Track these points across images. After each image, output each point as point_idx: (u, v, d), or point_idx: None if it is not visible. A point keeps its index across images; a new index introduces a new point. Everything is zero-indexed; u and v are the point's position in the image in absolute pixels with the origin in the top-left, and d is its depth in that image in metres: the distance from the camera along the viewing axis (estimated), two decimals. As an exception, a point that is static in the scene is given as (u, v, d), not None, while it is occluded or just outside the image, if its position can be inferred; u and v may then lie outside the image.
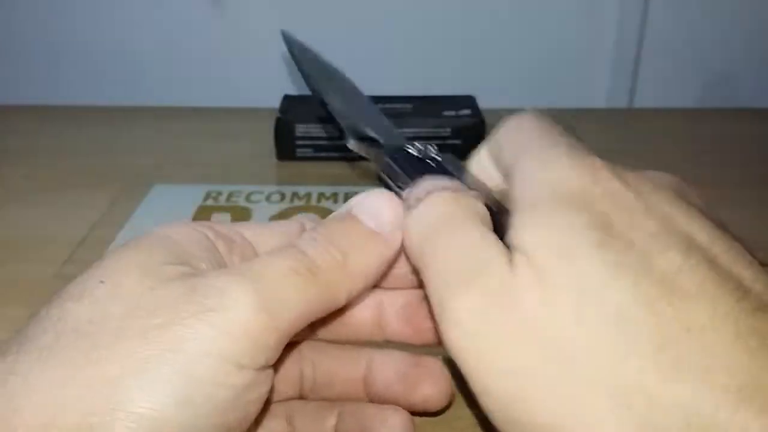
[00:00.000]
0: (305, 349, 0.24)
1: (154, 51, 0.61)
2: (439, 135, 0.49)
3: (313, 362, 0.24)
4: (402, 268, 0.22)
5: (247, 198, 0.45)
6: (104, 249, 0.38)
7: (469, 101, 0.51)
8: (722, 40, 0.60)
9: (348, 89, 0.30)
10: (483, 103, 0.51)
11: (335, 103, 0.28)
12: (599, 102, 0.63)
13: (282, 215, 0.42)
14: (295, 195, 0.45)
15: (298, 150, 0.49)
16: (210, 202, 0.44)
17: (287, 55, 0.31)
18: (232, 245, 0.20)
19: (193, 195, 0.45)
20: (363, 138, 0.26)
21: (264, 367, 0.17)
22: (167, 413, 0.16)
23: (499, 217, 0.19)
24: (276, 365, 0.18)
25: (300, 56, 0.31)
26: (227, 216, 0.42)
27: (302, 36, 0.63)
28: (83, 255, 0.38)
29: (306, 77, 0.29)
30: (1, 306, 0.33)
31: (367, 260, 0.20)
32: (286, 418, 0.23)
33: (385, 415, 0.22)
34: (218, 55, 0.61)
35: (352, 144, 0.26)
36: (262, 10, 0.59)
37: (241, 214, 0.43)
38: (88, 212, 0.42)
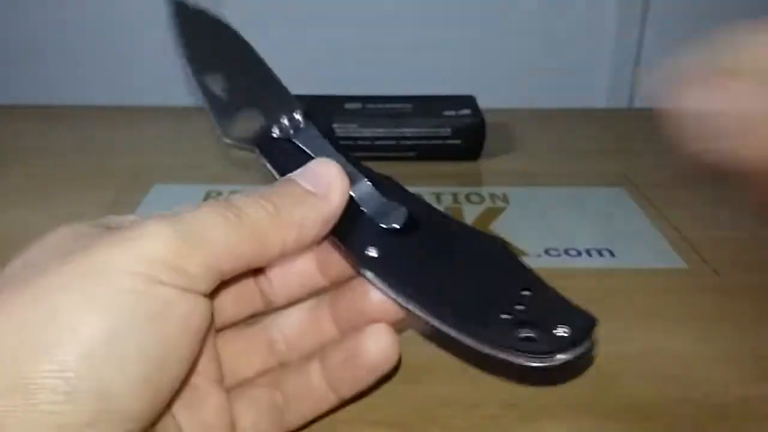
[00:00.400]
0: (273, 317, 0.25)
1: (154, 51, 0.61)
2: (439, 135, 0.49)
3: (280, 325, 0.25)
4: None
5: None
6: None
7: (469, 101, 0.51)
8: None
9: (237, 63, 0.28)
10: (483, 103, 0.51)
11: (214, 89, 0.28)
12: (599, 102, 0.63)
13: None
14: (295, 195, 0.45)
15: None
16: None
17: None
18: None
19: (194, 195, 0.45)
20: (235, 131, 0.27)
21: (189, 290, 0.18)
22: (94, 327, 0.16)
23: None
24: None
25: (186, 28, 0.29)
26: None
27: (302, 36, 0.63)
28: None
29: (188, 58, 0.29)
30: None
31: (301, 212, 0.21)
32: (273, 385, 0.24)
33: (366, 334, 0.23)
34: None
35: (226, 141, 0.27)
36: (262, 10, 0.60)
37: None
38: (89, 212, 0.42)
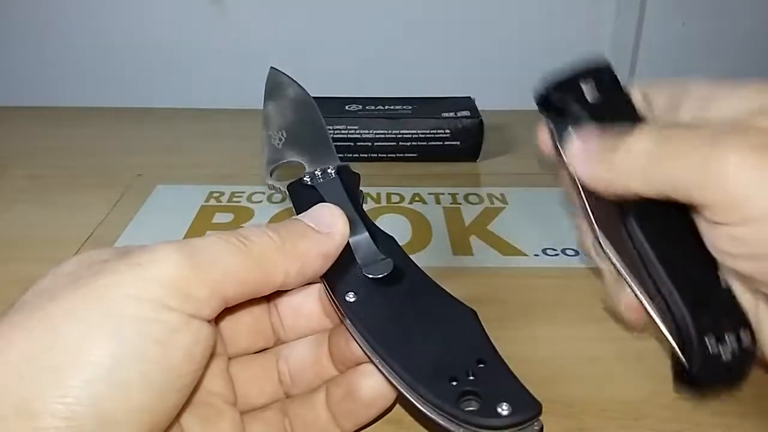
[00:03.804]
0: (279, 349, 0.26)
1: (155, 52, 0.61)
2: (438, 136, 0.50)
3: (286, 357, 0.25)
4: None
5: (249, 198, 0.45)
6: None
7: (467, 102, 0.52)
8: (718, 43, 0.60)
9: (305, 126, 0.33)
10: (481, 105, 0.51)
11: (273, 140, 0.32)
12: (597, 103, 0.63)
13: (283, 215, 0.43)
14: (296, 195, 0.45)
15: (299, 151, 0.49)
16: (212, 202, 0.44)
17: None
18: None
19: (196, 195, 0.45)
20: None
21: (195, 316, 0.19)
22: (98, 354, 0.17)
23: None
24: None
25: (272, 91, 0.34)
26: (229, 216, 0.43)
27: (302, 37, 0.63)
28: (88, 254, 0.39)
29: (265, 115, 0.33)
30: (5, 305, 0.34)
31: (304, 246, 0.22)
32: (283, 412, 0.25)
33: (359, 372, 0.24)
34: (219, 56, 0.61)
35: (269, 180, 0.30)
36: (262, 11, 0.60)
37: (243, 215, 0.43)
38: (92, 212, 0.43)
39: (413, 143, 0.50)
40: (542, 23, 0.60)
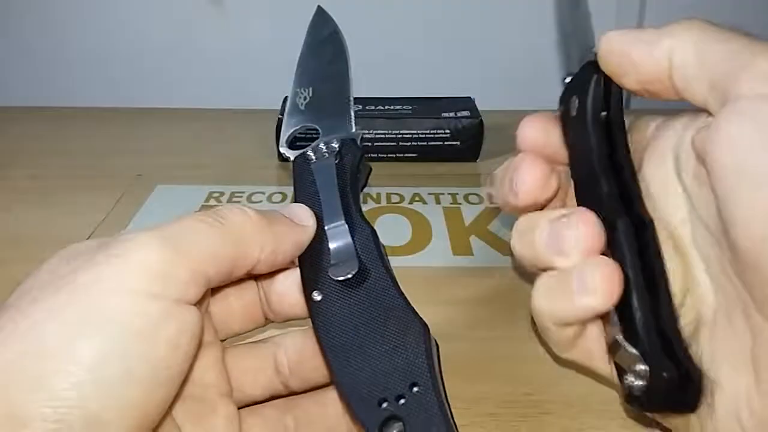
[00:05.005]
0: (278, 339, 0.26)
1: (155, 52, 0.61)
2: (438, 136, 0.50)
3: (285, 348, 0.25)
4: None
5: (249, 198, 0.45)
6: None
7: (467, 102, 0.52)
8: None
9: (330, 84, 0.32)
10: (481, 105, 0.51)
11: (297, 100, 0.31)
12: (597, 103, 0.63)
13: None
14: (296, 195, 0.45)
15: (299, 151, 0.49)
16: (212, 202, 0.44)
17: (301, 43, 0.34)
18: None
19: (196, 195, 0.45)
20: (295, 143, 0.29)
21: (180, 300, 0.18)
22: (82, 354, 0.17)
23: None
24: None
25: (312, 36, 0.33)
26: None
27: (302, 37, 0.63)
28: (88, 255, 0.39)
29: (298, 64, 0.33)
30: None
31: (278, 228, 0.22)
32: (286, 409, 0.25)
33: None
34: (219, 56, 0.61)
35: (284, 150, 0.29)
36: (262, 11, 0.60)
37: (243, 215, 0.43)
38: (92, 212, 0.43)
39: (413, 143, 0.50)
40: (542, 23, 0.60)
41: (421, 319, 0.22)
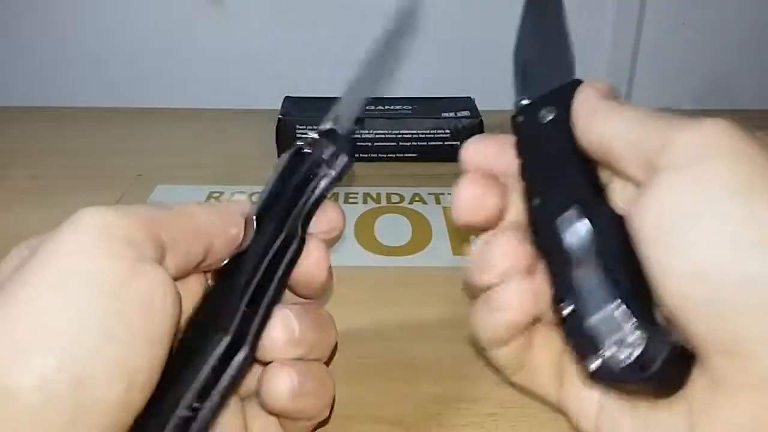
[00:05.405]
0: None
1: (155, 52, 0.61)
2: (438, 136, 0.50)
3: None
4: None
5: (249, 199, 0.45)
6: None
7: (467, 102, 0.52)
8: (718, 42, 0.60)
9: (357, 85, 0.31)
10: (481, 105, 0.52)
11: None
12: (596, 103, 0.63)
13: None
14: (296, 195, 0.45)
15: (299, 151, 0.49)
16: (213, 202, 0.44)
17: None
18: None
19: (196, 195, 0.45)
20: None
21: (141, 260, 0.19)
22: (56, 317, 0.17)
23: None
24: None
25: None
26: (229, 216, 0.43)
27: (302, 37, 0.63)
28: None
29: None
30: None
31: (228, 212, 0.23)
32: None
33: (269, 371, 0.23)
34: (219, 56, 0.61)
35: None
36: (262, 11, 0.60)
37: (243, 215, 0.43)
38: (92, 212, 0.43)
39: (413, 143, 0.50)
40: (542, 23, 0.60)
41: None
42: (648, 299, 0.21)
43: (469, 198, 0.25)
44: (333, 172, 0.25)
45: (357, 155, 0.50)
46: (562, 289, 0.22)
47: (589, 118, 0.23)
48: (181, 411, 0.20)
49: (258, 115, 0.55)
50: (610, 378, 0.21)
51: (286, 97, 0.52)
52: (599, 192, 0.23)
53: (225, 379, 0.21)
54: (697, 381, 0.19)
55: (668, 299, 0.19)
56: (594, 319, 0.21)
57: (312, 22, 0.60)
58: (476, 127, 0.49)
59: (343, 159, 0.26)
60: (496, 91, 0.57)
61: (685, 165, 0.19)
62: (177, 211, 0.21)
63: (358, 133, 0.49)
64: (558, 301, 0.22)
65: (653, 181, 0.20)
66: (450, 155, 0.50)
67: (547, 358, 0.25)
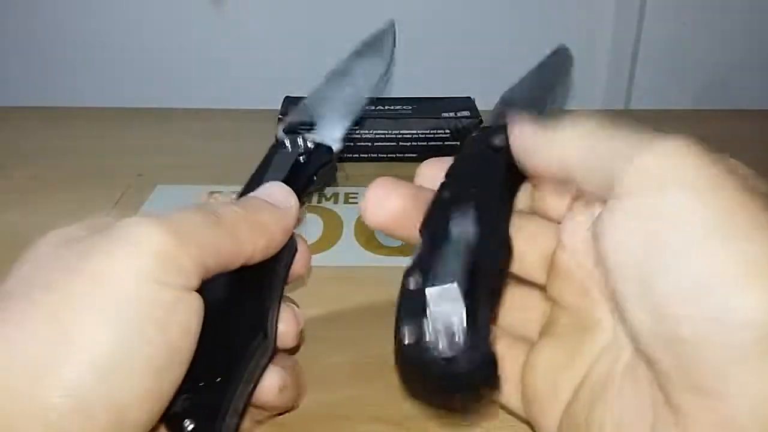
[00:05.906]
0: None
1: (155, 52, 0.61)
2: (438, 136, 0.50)
3: None
4: None
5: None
6: (109, 249, 0.39)
7: (467, 103, 0.52)
8: (718, 42, 0.60)
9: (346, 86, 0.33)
10: (481, 105, 0.51)
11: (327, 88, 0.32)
12: (596, 103, 0.63)
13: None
14: (296, 195, 0.45)
15: (299, 151, 0.49)
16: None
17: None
18: None
19: (196, 195, 0.45)
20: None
21: (186, 288, 0.19)
22: (102, 341, 0.17)
23: None
24: None
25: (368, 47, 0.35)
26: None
27: (302, 37, 0.63)
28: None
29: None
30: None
31: (265, 218, 0.23)
32: None
33: None
34: (219, 56, 0.61)
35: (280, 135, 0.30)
36: (262, 11, 0.60)
37: (243, 215, 0.43)
38: (92, 212, 0.42)
39: (413, 143, 0.50)
40: (542, 23, 0.60)
41: None
42: (491, 315, 0.21)
43: (372, 199, 0.24)
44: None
45: (357, 155, 0.50)
46: (420, 265, 0.22)
47: (540, 145, 0.22)
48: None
49: (258, 115, 0.55)
50: (419, 361, 0.20)
51: (286, 97, 0.52)
52: (506, 207, 0.23)
53: (256, 375, 0.22)
54: (661, 418, 0.18)
55: (629, 328, 0.18)
56: (433, 305, 0.21)
57: (312, 23, 0.60)
58: (476, 127, 0.49)
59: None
60: (496, 91, 0.57)
61: (643, 192, 0.18)
62: (225, 230, 0.21)
63: (358, 134, 0.49)
64: (407, 274, 0.22)
65: (613, 206, 0.19)
66: (450, 155, 0.50)
67: (513, 369, 0.24)
